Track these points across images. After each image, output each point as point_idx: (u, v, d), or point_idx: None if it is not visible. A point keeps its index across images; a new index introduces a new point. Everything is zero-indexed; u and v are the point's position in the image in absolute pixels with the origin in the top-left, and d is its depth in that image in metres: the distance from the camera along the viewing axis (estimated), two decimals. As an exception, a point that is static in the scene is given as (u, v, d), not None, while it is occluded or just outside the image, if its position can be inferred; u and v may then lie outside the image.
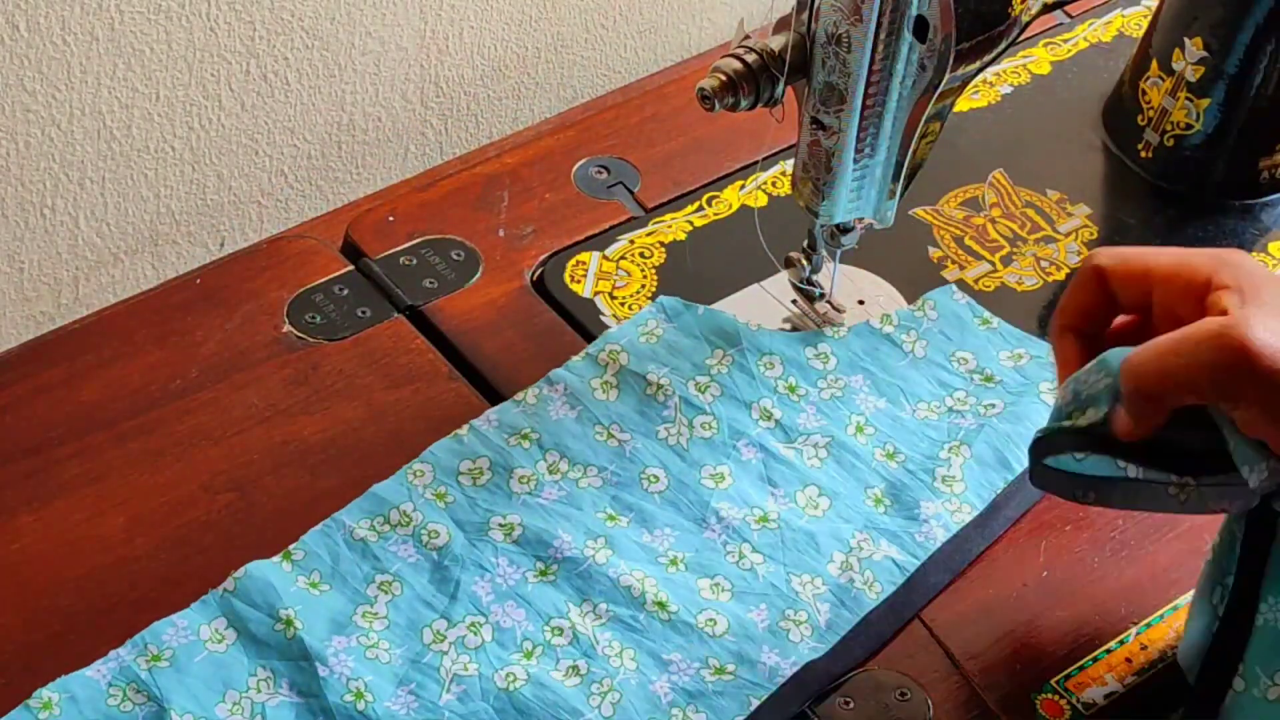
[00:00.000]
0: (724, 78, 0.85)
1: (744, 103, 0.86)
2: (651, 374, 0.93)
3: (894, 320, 0.98)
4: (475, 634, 0.82)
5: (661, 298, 0.98)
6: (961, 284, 1.03)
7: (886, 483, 0.90)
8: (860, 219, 0.93)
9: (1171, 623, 0.87)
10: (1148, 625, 0.87)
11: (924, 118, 0.87)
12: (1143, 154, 1.11)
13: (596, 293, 1.01)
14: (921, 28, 0.83)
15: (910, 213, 1.06)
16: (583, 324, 0.99)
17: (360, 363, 0.96)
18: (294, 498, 0.89)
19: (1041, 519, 0.91)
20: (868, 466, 0.91)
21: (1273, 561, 0.77)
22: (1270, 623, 0.77)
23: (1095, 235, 1.07)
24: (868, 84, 0.85)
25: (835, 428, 0.93)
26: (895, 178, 0.90)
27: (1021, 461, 0.90)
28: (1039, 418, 0.92)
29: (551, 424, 0.91)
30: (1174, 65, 1.07)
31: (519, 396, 0.92)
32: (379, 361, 0.96)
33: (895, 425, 0.93)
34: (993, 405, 0.94)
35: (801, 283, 0.98)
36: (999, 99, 1.16)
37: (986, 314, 0.99)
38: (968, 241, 1.05)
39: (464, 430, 0.91)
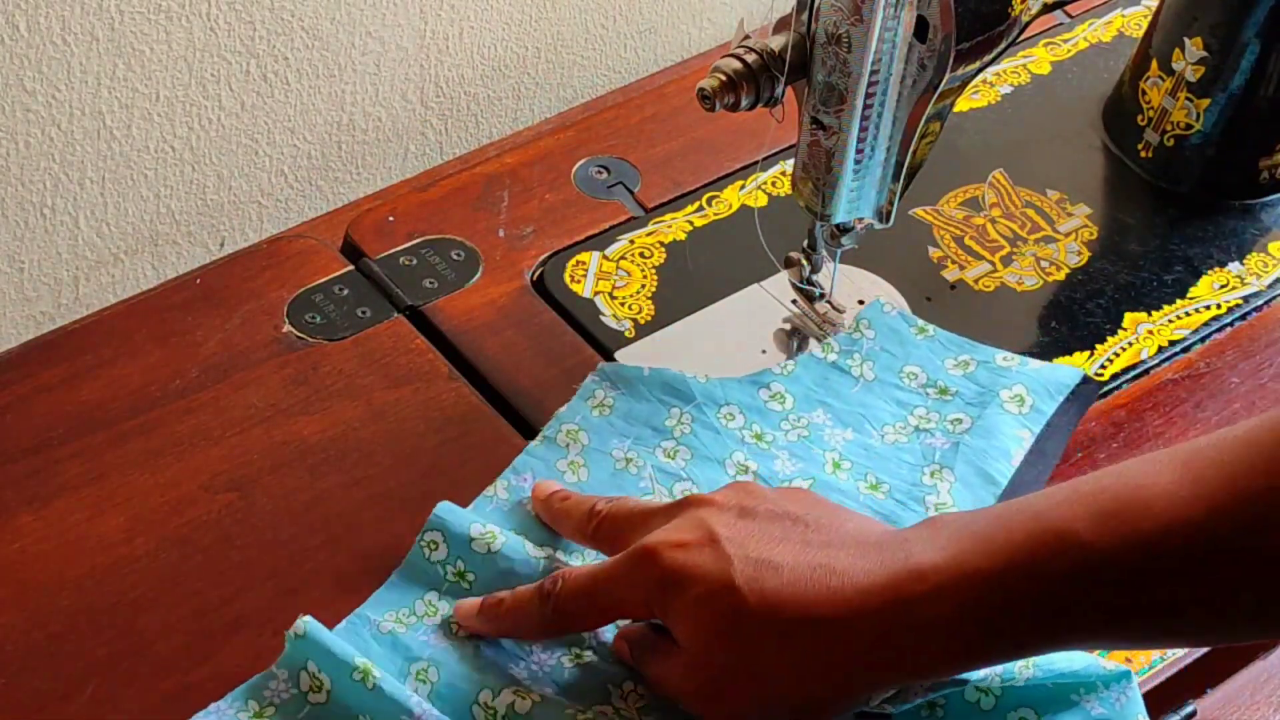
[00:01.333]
0: (724, 78, 0.85)
1: (744, 103, 0.86)
2: (616, 449, 0.90)
3: (835, 347, 0.96)
4: (524, 699, 0.79)
5: (602, 364, 0.94)
6: (961, 284, 1.03)
7: (881, 516, 0.88)
8: (860, 219, 0.93)
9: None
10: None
11: (924, 118, 0.87)
12: (1143, 154, 1.11)
13: (596, 293, 1.01)
14: (921, 28, 0.83)
15: (910, 213, 1.06)
16: (583, 324, 0.99)
17: (360, 363, 0.96)
18: (294, 498, 0.89)
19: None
20: (856, 502, 0.89)
21: None
22: None
23: (1095, 235, 1.07)
24: (868, 84, 0.85)
25: (814, 468, 0.90)
26: (895, 178, 0.90)
27: (1004, 474, 0.90)
28: (1008, 428, 0.91)
29: (530, 518, 0.88)
30: (1174, 65, 1.07)
31: (489, 491, 0.88)
32: (379, 361, 0.96)
33: (869, 454, 0.91)
34: (959, 420, 0.93)
35: (801, 283, 0.98)
36: (999, 99, 1.16)
37: (920, 322, 0.98)
38: (968, 241, 1.05)
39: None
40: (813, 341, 0.97)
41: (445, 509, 0.86)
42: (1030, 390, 0.94)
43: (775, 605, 0.73)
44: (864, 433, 0.92)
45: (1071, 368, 0.96)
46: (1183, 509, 0.69)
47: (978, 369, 0.95)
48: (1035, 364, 0.96)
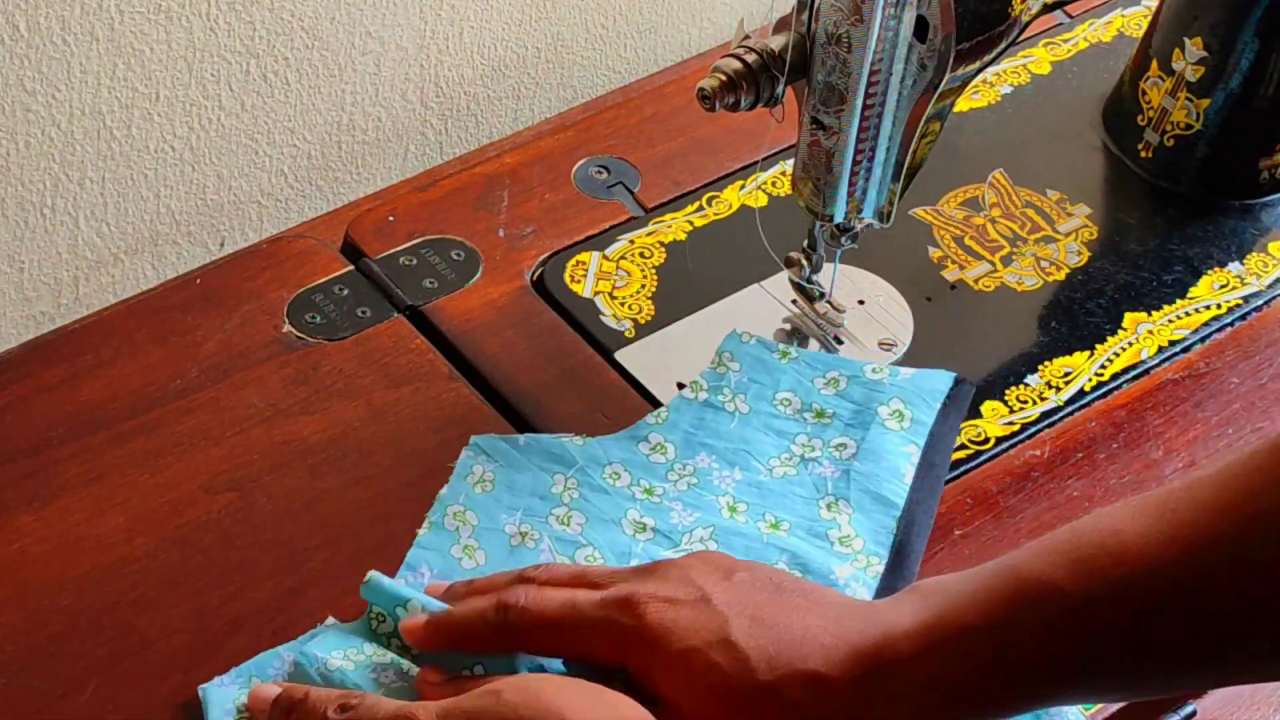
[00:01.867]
0: (724, 78, 0.85)
1: (744, 103, 0.86)
2: (508, 525, 0.87)
3: (703, 385, 0.94)
4: None
5: (474, 438, 0.91)
6: (961, 284, 1.03)
7: (789, 554, 0.86)
8: (860, 219, 0.93)
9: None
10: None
11: (924, 118, 0.87)
12: (1143, 154, 1.11)
13: (596, 293, 1.01)
14: (921, 28, 0.83)
15: (910, 213, 1.06)
16: (583, 324, 0.99)
17: (360, 363, 0.96)
18: (294, 498, 0.89)
19: (1041, 519, 0.91)
20: (762, 543, 0.87)
21: None
22: None
23: (1095, 235, 1.07)
24: (868, 84, 0.85)
25: (711, 515, 0.88)
26: (895, 178, 0.90)
27: (899, 495, 0.89)
28: (893, 446, 0.91)
29: (435, 608, 0.81)
30: (1174, 65, 1.07)
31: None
32: (379, 361, 0.96)
33: (761, 493, 0.90)
34: (843, 445, 0.91)
35: (802, 282, 0.98)
36: (999, 99, 1.16)
37: (780, 346, 0.96)
38: (968, 241, 1.06)
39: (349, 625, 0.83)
40: (683, 385, 0.95)
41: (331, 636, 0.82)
42: (907, 403, 0.93)
43: (775, 663, 0.73)
44: (751, 469, 0.91)
45: (942, 372, 0.95)
46: (1156, 551, 0.70)
47: (849, 385, 0.94)
48: (906, 372, 0.94)
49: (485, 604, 0.78)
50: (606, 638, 0.76)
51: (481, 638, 0.78)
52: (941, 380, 0.94)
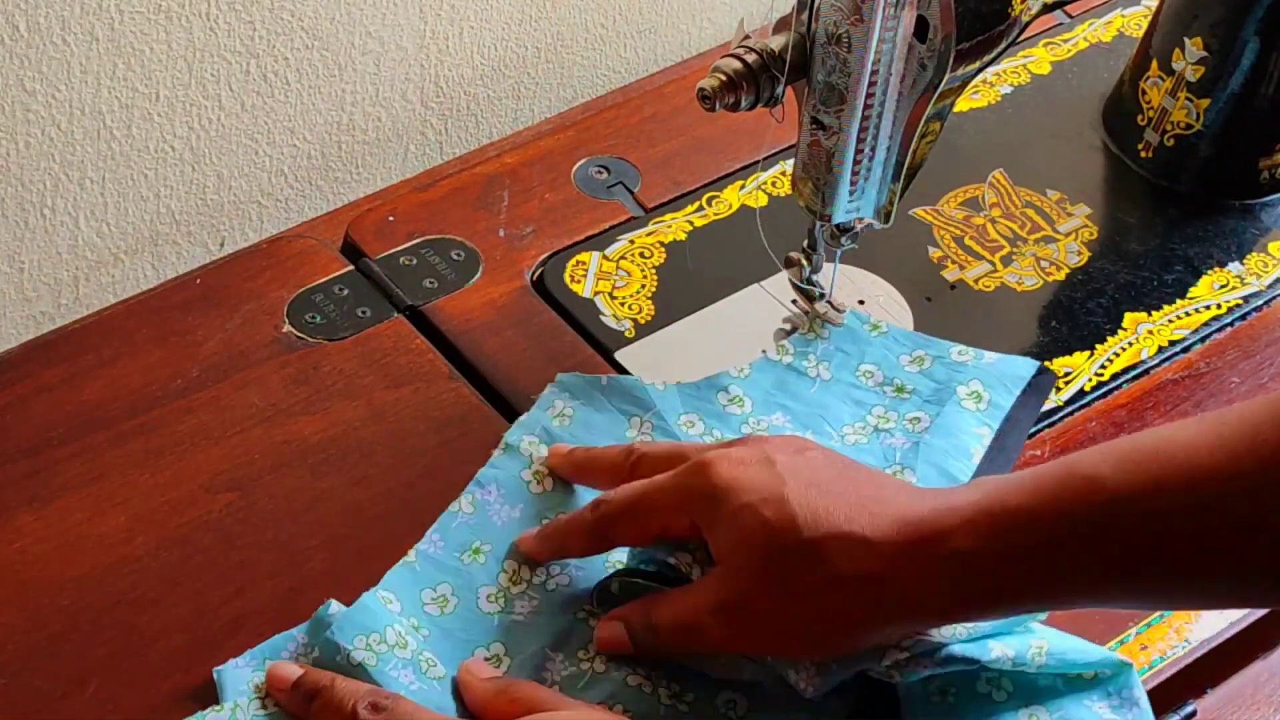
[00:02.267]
0: (724, 77, 0.85)
1: (744, 103, 0.86)
2: (580, 446, 0.89)
3: (789, 349, 0.96)
4: None
5: (559, 375, 0.93)
6: (961, 284, 1.03)
7: None
8: (860, 219, 0.93)
9: (1171, 623, 0.87)
10: (1147, 625, 0.87)
11: (924, 118, 0.87)
12: (1143, 154, 1.11)
13: (596, 293, 1.01)
14: (921, 28, 0.83)
15: (910, 213, 1.06)
16: (583, 324, 0.99)
17: (360, 363, 0.96)
18: (294, 498, 0.89)
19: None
20: None
21: None
22: None
23: (1095, 235, 1.07)
24: (868, 84, 0.85)
25: None
26: (895, 178, 0.90)
27: (965, 472, 0.90)
28: (966, 425, 0.91)
29: (498, 530, 0.86)
30: (1174, 65, 1.07)
31: (453, 507, 0.87)
32: (379, 361, 0.96)
33: None
34: (917, 419, 0.92)
35: (802, 282, 0.98)
36: (999, 99, 1.16)
37: (872, 318, 0.98)
38: (968, 241, 1.05)
39: (412, 557, 0.85)
40: (771, 343, 0.97)
41: (398, 578, 0.84)
42: (986, 385, 0.94)
43: (821, 522, 0.76)
44: (823, 434, 0.92)
45: (1027, 359, 0.96)
46: (1205, 457, 0.71)
47: (934, 365, 0.95)
48: (991, 356, 0.96)
49: (584, 508, 0.84)
50: (679, 502, 0.79)
51: (575, 535, 0.84)
52: (1025, 367, 0.95)
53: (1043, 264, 1.05)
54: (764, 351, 0.97)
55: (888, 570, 0.75)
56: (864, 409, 0.93)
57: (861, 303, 1.01)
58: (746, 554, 0.77)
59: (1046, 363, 0.99)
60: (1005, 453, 0.92)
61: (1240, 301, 1.03)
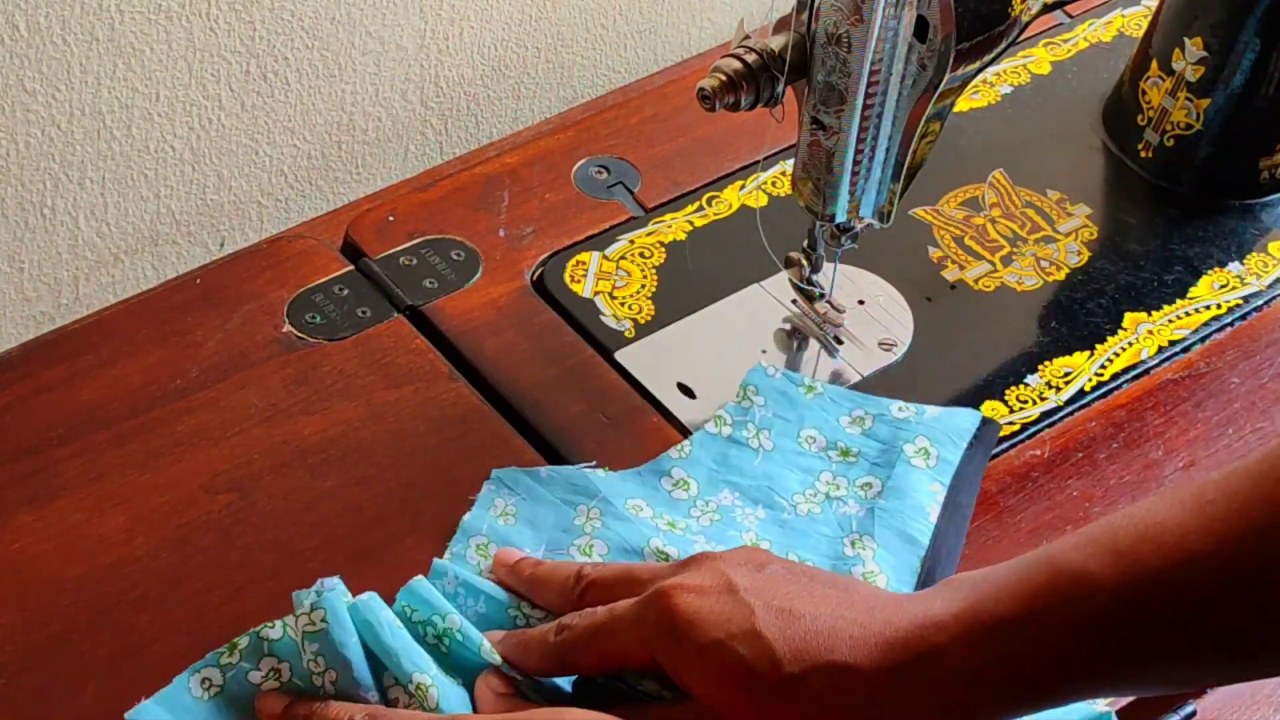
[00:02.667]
0: (724, 78, 0.85)
1: (744, 103, 0.86)
2: (528, 557, 0.86)
3: (727, 420, 0.93)
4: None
5: (495, 471, 0.90)
6: (961, 284, 1.03)
7: None
8: (860, 219, 0.93)
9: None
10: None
11: (924, 118, 0.87)
12: (1143, 154, 1.11)
13: (596, 293, 1.01)
14: (921, 28, 0.83)
15: (910, 213, 1.06)
16: (583, 324, 0.99)
17: (360, 363, 0.96)
18: (294, 498, 0.89)
19: (1041, 519, 0.91)
20: None
21: None
22: None
23: (1095, 235, 1.07)
24: (868, 84, 0.85)
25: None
26: (895, 178, 0.90)
27: (925, 532, 0.88)
28: (919, 484, 0.90)
29: (470, 616, 0.82)
30: (1174, 65, 1.07)
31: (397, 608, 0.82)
32: (379, 361, 0.96)
33: (785, 530, 0.89)
34: (869, 485, 0.91)
35: (802, 283, 0.98)
36: (999, 99, 1.16)
37: (806, 379, 0.95)
38: (968, 241, 1.06)
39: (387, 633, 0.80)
40: (708, 420, 0.94)
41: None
42: (934, 441, 0.92)
43: (800, 655, 0.72)
44: (775, 507, 0.90)
45: (970, 411, 0.94)
46: (1192, 543, 0.69)
47: (876, 424, 0.93)
48: (933, 411, 0.94)
49: (548, 629, 0.79)
50: (639, 634, 0.76)
51: (535, 653, 0.79)
52: (968, 419, 0.93)
53: (1043, 264, 1.05)
54: (680, 388, 0.95)
55: (878, 697, 0.72)
56: (811, 475, 0.91)
57: (861, 303, 1.01)
58: (728, 695, 0.73)
59: (1046, 363, 0.99)
60: (961, 509, 0.90)
61: (1240, 301, 1.03)
